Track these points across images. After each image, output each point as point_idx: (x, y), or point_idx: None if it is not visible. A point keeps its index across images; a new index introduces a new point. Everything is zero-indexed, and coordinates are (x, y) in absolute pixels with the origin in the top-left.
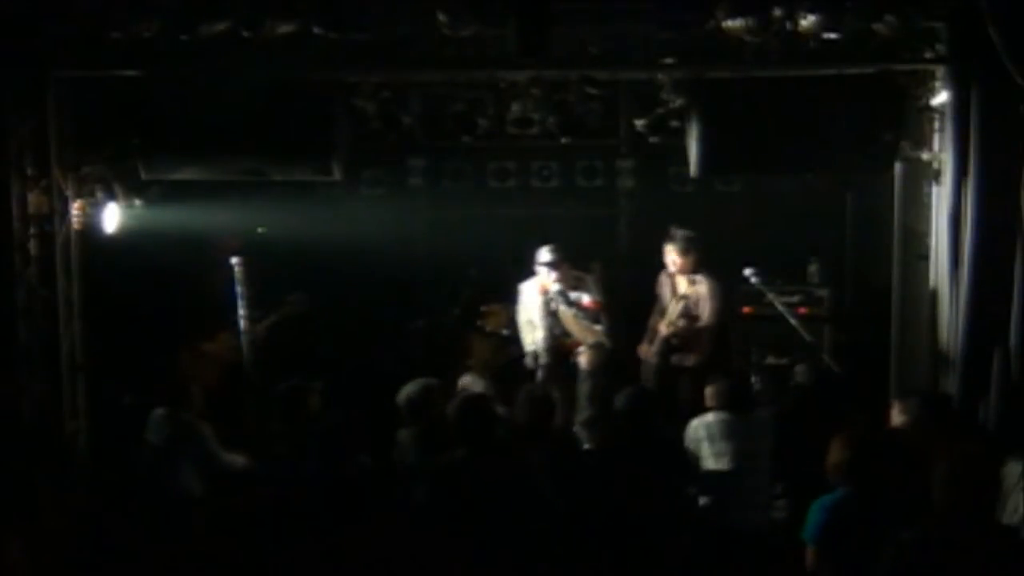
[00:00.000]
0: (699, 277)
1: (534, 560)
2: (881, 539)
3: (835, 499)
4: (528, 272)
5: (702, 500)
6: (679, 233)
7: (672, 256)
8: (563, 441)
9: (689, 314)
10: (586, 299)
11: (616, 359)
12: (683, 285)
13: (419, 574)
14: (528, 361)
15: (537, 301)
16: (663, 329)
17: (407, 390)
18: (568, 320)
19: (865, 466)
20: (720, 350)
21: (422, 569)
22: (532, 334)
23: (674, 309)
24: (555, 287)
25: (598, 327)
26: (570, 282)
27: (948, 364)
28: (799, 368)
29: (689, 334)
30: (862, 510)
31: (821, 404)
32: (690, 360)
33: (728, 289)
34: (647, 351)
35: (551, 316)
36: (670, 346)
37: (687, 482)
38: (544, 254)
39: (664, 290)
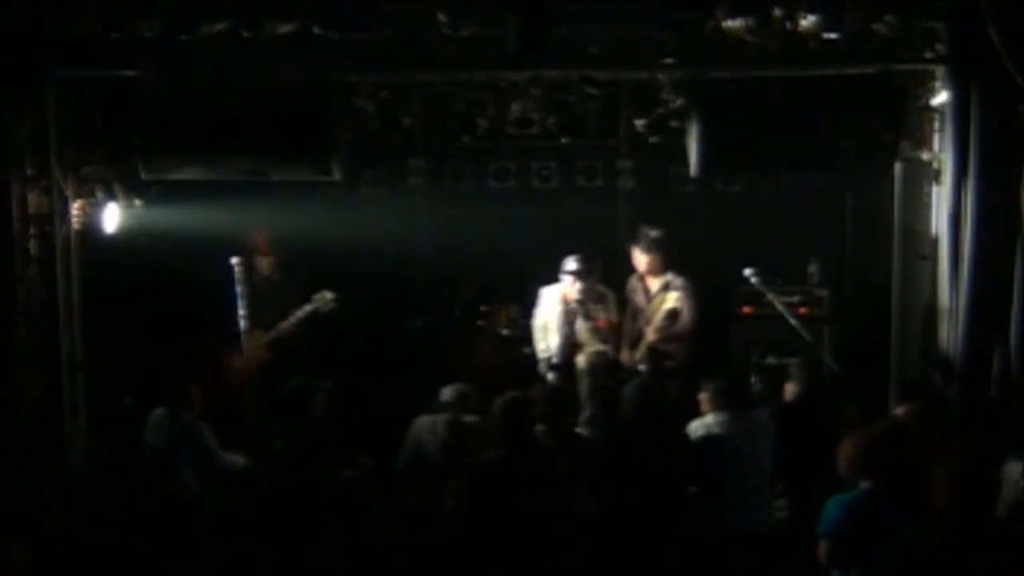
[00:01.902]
0: (671, 276)
1: (554, 560)
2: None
3: (854, 496)
4: (536, 275)
5: (703, 500)
6: (645, 233)
7: (638, 256)
8: (576, 440)
9: (672, 317)
10: (603, 316)
11: (614, 361)
12: (655, 286)
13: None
14: (541, 367)
15: (557, 309)
16: (650, 336)
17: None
18: (580, 332)
19: (881, 461)
20: (709, 349)
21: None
22: (546, 340)
23: (658, 315)
24: (577, 298)
25: (605, 346)
26: (593, 296)
27: (948, 364)
28: (794, 368)
29: (671, 336)
30: (880, 506)
31: (819, 403)
32: (671, 361)
33: (721, 289)
34: (629, 357)
35: (568, 326)
36: (656, 352)
37: (690, 481)
38: (570, 263)
39: (636, 295)
